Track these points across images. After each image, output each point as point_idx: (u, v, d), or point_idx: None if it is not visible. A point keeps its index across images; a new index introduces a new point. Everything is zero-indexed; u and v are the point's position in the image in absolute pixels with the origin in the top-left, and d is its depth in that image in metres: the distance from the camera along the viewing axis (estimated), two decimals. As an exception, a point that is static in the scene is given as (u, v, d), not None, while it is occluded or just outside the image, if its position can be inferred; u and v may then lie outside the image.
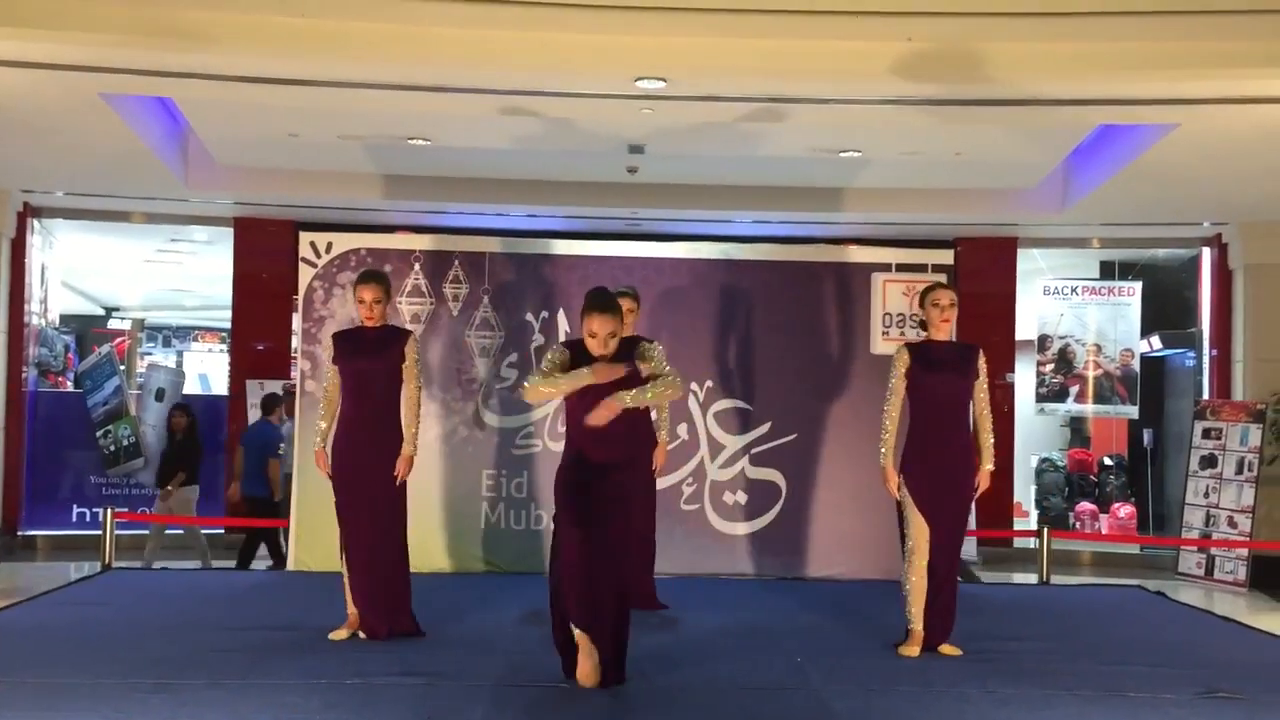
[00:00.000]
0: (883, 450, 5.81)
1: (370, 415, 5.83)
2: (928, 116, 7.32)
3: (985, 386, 5.83)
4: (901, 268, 8.55)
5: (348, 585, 5.83)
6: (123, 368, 12.18)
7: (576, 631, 4.81)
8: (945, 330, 5.77)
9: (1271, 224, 10.16)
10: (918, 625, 5.66)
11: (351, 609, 5.82)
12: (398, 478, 5.78)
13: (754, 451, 8.35)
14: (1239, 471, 9.96)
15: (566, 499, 4.91)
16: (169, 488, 9.65)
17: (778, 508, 8.30)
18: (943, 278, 8.50)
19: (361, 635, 5.76)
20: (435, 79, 6.85)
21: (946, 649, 5.69)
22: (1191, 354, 11.53)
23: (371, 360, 5.85)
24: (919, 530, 5.68)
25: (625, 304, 6.52)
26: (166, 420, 10.28)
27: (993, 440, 5.80)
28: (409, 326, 8.28)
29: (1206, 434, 10.30)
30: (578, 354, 4.94)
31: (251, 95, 7.15)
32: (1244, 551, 9.68)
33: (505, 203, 9.98)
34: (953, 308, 5.76)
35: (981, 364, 5.82)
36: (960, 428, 5.78)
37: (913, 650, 5.62)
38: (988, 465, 5.75)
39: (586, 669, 4.78)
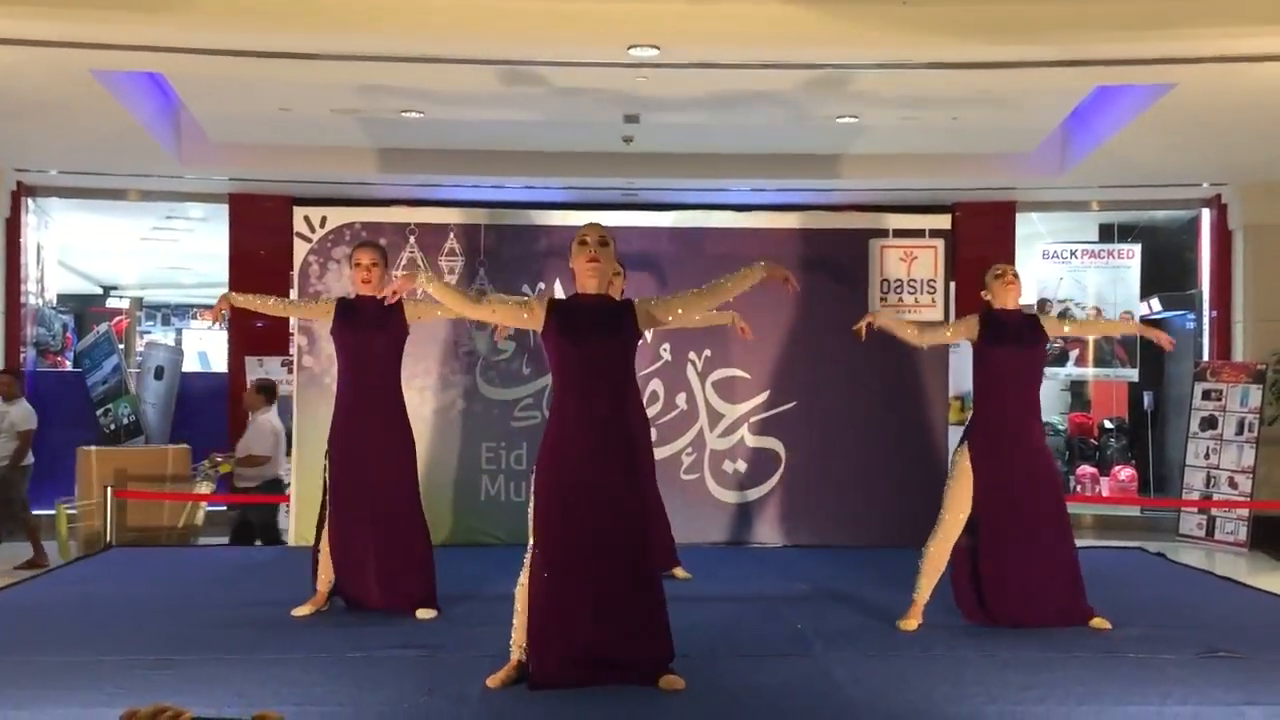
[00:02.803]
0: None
1: (372, 391, 5.74)
2: (924, 80, 7.26)
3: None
4: (899, 233, 8.53)
5: (323, 560, 5.77)
6: (121, 346, 12.17)
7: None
8: (1013, 296, 5.62)
9: (1271, 184, 10.11)
10: (920, 596, 5.62)
11: (322, 586, 5.79)
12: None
13: (753, 420, 8.36)
14: (1239, 432, 9.96)
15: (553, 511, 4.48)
16: None
17: (777, 476, 8.32)
18: (940, 243, 8.51)
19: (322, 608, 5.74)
20: (427, 50, 6.80)
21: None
22: (1191, 316, 11.51)
23: (371, 333, 5.74)
24: (957, 507, 5.57)
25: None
26: None
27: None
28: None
29: (1207, 395, 10.29)
30: (568, 301, 4.62)
31: (242, 70, 7.10)
32: (1244, 512, 9.70)
33: (500, 175, 9.93)
34: (1017, 278, 5.66)
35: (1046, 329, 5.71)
36: (1034, 408, 5.65)
37: (910, 624, 5.52)
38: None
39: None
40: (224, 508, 9.83)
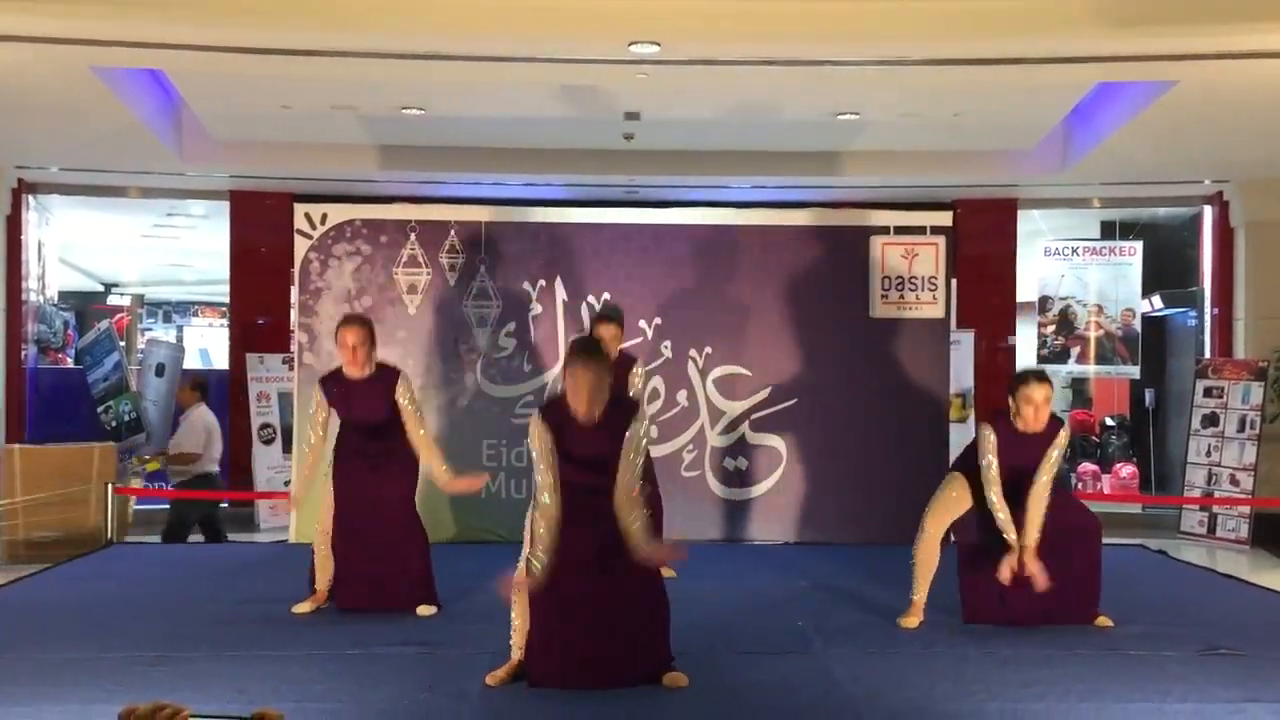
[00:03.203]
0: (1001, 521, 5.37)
1: (375, 450, 5.73)
2: (925, 77, 7.25)
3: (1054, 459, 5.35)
4: (900, 230, 8.53)
5: (321, 559, 5.78)
6: (122, 344, 12.16)
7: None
8: (1036, 422, 5.30)
9: (1272, 181, 10.08)
10: (917, 596, 5.61)
11: (321, 584, 5.79)
12: (469, 488, 5.79)
13: (754, 417, 8.35)
14: (1241, 429, 9.95)
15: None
16: None
17: (778, 473, 8.32)
18: (941, 240, 8.50)
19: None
20: (428, 47, 6.78)
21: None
22: (1193, 313, 11.49)
23: (367, 409, 5.69)
24: (955, 499, 5.51)
25: (609, 330, 6.39)
26: None
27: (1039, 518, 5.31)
28: (407, 298, 8.28)
29: (1208, 392, 10.28)
30: (559, 419, 4.42)
31: (243, 66, 7.08)
32: (1246, 509, 9.68)
33: (501, 172, 9.92)
34: (1047, 404, 5.31)
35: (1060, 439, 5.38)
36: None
37: (911, 622, 5.51)
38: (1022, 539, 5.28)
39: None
40: (165, 505, 9.57)
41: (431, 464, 5.72)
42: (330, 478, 5.80)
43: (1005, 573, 5.29)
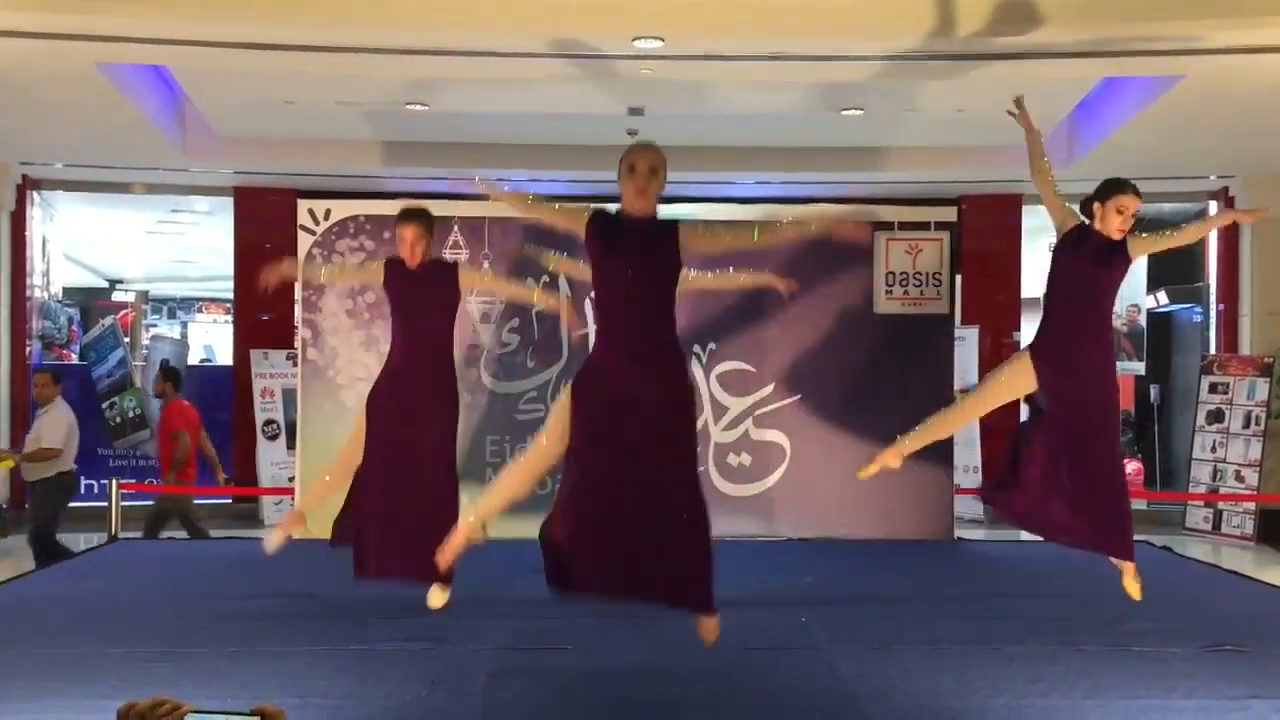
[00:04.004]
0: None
1: (419, 357, 5.44)
2: (929, 72, 7.24)
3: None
4: (904, 226, 8.50)
5: (323, 488, 5.69)
6: (127, 340, 12.18)
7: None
8: (1115, 229, 5.18)
9: (1278, 177, 10.06)
10: (904, 442, 5.57)
11: (305, 508, 5.77)
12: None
13: (758, 413, 8.34)
14: (1246, 426, 9.92)
15: (585, 410, 4.28)
16: None
17: (782, 469, 8.30)
18: (945, 236, 8.48)
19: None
20: (431, 43, 6.78)
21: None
22: (1198, 309, 11.47)
23: (421, 298, 5.46)
24: (991, 398, 5.46)
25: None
26: None
27: None
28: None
29: (1213, 389, 10.26)
30: (602, 224, 4.41)
31: (247, 62, 7.09)
32: (1251, 505, 9.67)
33: (505, 168, 9.92)
34: (1132, 218, 5.18)
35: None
36: (1094, 331, 5.28)
37: (873, 468, 5.49)
38: None
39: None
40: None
41: (520, 293, 5.71)
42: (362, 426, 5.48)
43: None
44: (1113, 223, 5.19)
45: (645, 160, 4.48)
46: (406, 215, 5.49)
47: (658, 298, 4.41)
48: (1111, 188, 5.24)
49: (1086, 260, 5.24)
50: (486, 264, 8.35)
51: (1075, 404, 5.26)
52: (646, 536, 4.22)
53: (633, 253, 4.40)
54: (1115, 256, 5.23)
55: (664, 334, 4.41)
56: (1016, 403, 5.48)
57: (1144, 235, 5.30)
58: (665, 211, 8.92)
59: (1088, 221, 5.29)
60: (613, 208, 4.52)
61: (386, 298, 5.61)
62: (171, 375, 9.07)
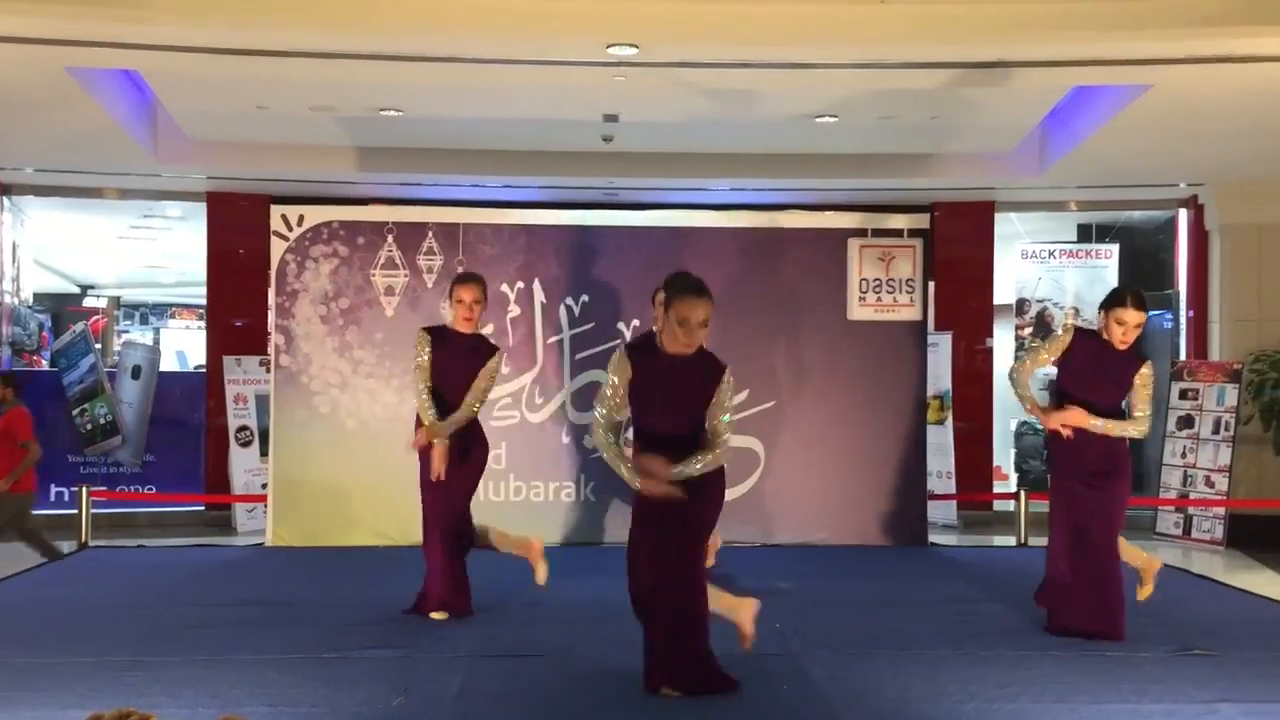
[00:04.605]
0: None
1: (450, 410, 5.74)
2: (902, 80, 7.28)
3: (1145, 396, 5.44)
4: (877, 233, 8.56)
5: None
6: (98, 346, 12.08)
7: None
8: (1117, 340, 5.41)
9: (1247, 184, 10.15)
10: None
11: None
12: (414, 445, 5.68)
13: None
14: (1216, 431, 10.01)
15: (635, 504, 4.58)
16: None
17: (756, 475, 8.32)
18: (918, 243, 8.53)
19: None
20: (406, 48, 6.76)
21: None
22: (1169, 315, 11.56)
23: (462, 369, 5.73)
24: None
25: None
26: None
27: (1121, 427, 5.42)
28: (384, 300, 8.28)
29: (1184, 395, 10.34)
30: (644, 357, 4.54)
31: (220, 67, 7.05)
32: (1221, 510, 9.75)
33: (480, 174, 9.90)
34: (1137, 329, 5.40)
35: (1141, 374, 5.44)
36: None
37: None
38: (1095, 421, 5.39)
39: None
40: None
41: (457, 412, 5.69)
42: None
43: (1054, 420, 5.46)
44: (1114, 334, 5.41)
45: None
46: (468, 277, 5.86)
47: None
48: (1113, 299, 5.51)
49: (1101, 367, 5.47)
50: (460, 269, 8.35)
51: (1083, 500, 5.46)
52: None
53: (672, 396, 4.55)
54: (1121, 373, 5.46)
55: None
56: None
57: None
58: (642, 218, 8.97)
59: (1099, 335, 5.52)
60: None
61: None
62: (10, 380, 8.48)
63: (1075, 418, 5.39)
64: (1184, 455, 10.23)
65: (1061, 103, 8.38)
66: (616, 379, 4.49)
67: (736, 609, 4.76)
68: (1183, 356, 10.98)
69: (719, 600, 4.73)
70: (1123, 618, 5.33)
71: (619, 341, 8.30)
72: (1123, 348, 5.40)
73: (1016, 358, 5.62)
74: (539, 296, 8.38)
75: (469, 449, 5.81)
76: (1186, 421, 10.26)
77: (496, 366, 5.82)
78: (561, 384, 8.36)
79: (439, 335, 5.85)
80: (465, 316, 5.73)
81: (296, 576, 6.81)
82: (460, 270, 6.13)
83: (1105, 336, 5.44)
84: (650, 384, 4.48)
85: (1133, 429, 5.41)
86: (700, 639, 4.48)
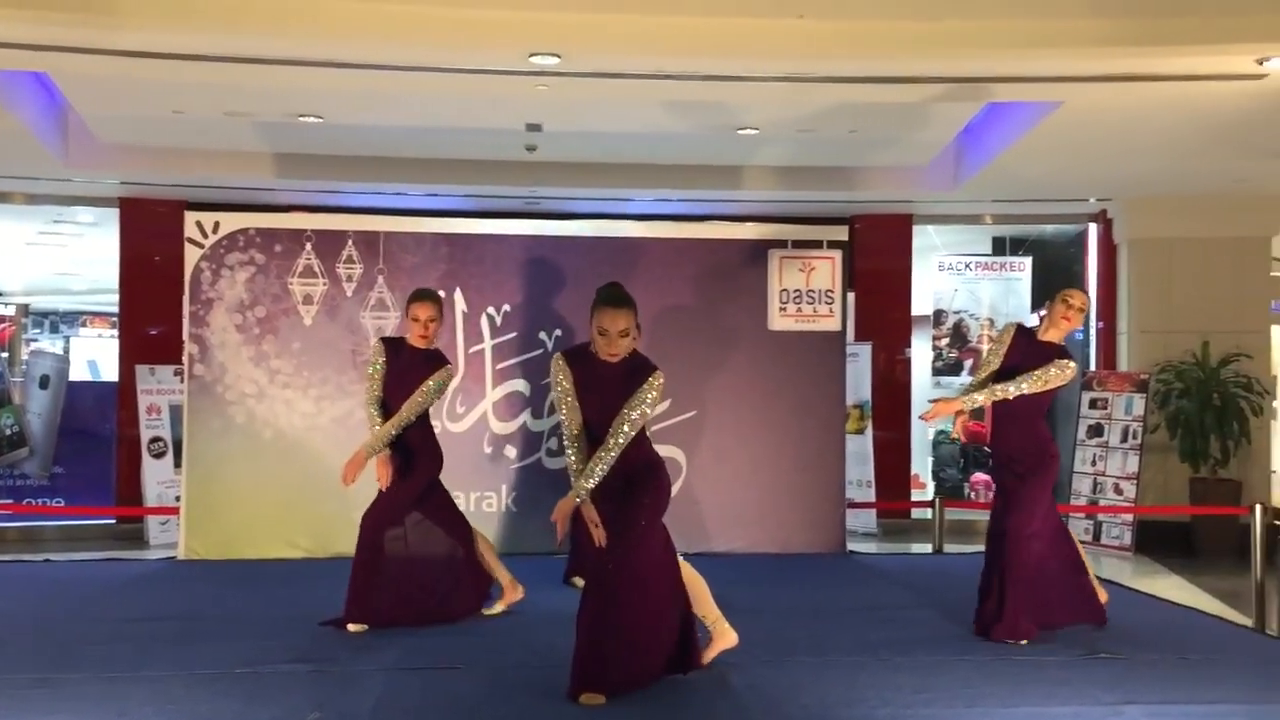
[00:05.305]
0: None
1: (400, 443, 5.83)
2: (821, 94, 7.37)
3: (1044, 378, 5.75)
4: (798, 244, 8.65)
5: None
6: (5, 355, 11.75)
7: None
8: (1062, 330, 5.92)
9: (1153, 199, 10.45)
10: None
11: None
12: (345, 478, 5.71)
13: (654, 429, 8.35)
14: (1124, 440, 10.27)
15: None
16: None
17: (678, 484, 8.33)
18: (838, 255, 8.64)
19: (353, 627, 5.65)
20: (325, 54, 6.68)
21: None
22: (1079, 327, 11.85)
23: (411, 379, 5.80)
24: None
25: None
26: None
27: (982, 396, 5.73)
28: (302, 309, 8.17)
29: (1093, 404, 10.60)
30: (579, 362, 4.69)
31: (132, 70, 6.90)
32: (1129, 517, 10.00)
33: (401, 182, 9.81)
34: (1080, 315, 5.91)
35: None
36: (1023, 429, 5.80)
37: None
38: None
39: None
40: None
41: (390, 422, 5.75)
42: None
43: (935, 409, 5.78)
44: (1057, 313, 6.03)
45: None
46: (423, 294, 5.96)
47: None
48: (1064, 290, 6.13)
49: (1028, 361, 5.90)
50: (381, 279, 8.28)
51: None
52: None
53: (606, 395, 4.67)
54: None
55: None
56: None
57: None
58: (565, 228, 8.94)
59: (1031, 332, 6.14)
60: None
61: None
62: None
63: (942, 407, 5.78)
64: (1094, 463, 10.48)
65: (975, 119, 8.55)
66: (562, 380, 4.66)
67: (717, 632, 4.99)
68: (1092, 367, 11.25)
69: (707, 609, 4.97)
70: (1099, 601, 5.86)
71: (540, 351, 8.29)
72: (1066, 329, 5.94)
73: (973, 379, 5.92)
74: (460, 306, 8.34)
75: (411, 461, 5.85)
76: (1096, 430, 10.52)
77: (438, 383, 5.84)
78: (483, 393, 8.32)
79: (394, 347, 5.94)
80: (420, 334, 5.84)
81: (209, 590, 6.68)
82: (415, 288, 6.27)
83: (1048, 325, 5.90)
84: (586, 389, 4.65)
85: (1000, 390, 5.70)
86: (672, 617, 4.73)
